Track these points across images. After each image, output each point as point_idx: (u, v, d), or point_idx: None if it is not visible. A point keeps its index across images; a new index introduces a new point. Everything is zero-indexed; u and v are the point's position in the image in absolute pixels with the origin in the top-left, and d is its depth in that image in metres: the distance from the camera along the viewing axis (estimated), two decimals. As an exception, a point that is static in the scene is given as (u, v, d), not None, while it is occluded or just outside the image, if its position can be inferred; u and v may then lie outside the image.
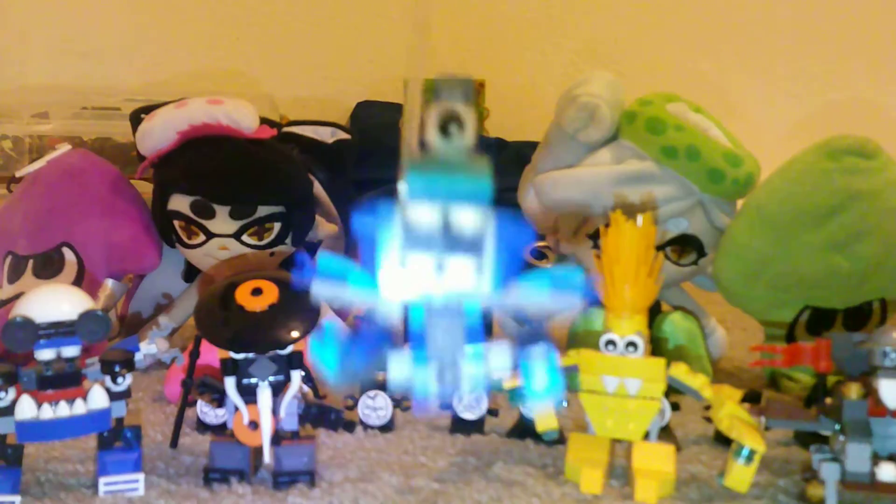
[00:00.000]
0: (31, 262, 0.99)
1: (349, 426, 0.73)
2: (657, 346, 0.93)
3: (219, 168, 1.00)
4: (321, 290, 0.41)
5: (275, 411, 0.69)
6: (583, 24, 2.04)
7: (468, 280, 0.37)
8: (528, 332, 0.43)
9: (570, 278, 0.41)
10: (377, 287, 0.40)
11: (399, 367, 0.41)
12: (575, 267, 0.42)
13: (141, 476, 0.69)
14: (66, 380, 0.66)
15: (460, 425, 0.83)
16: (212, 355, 0.73)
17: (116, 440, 0.69)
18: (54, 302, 0.66)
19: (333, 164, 1.11)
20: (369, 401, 0.83)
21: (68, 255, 1.00)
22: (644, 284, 0.70)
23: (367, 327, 0.42)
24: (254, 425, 0.69)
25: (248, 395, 0.69)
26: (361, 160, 1.23)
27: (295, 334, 0.69)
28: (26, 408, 0.66)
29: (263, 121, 1.05)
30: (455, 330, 0.40)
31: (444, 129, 0.38)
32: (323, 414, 0.71)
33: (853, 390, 0.65)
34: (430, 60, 1.67)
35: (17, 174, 1.07)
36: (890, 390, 0.64)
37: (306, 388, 0.74)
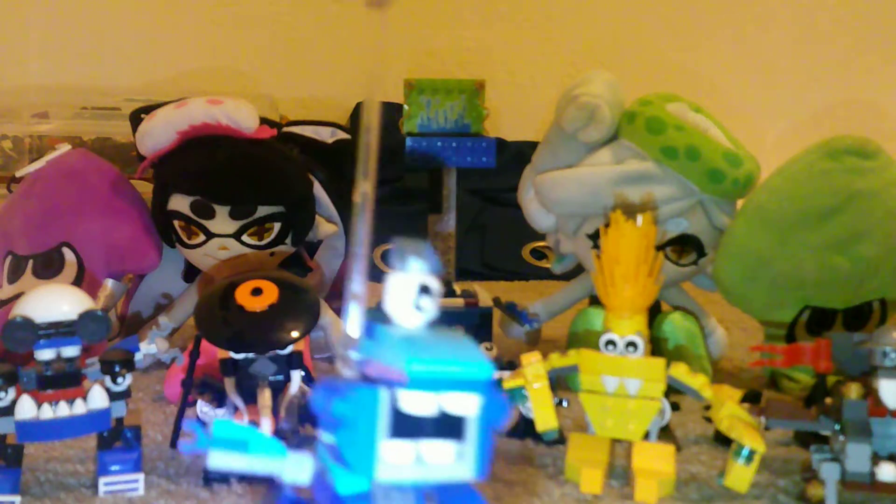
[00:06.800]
0: (30, 262, 0.99)
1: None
2: (657, 346, 0.93)
3: (219, 168, 1.00)
4: (219, 461, 0.37)
5: (275, 411, 0.69)
6: (583, 24, 2.03)
7: (449, 465, 0.35)
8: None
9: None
10: (280, 452, 0.37)
11: None
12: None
13: (141, 476, 0.69)
14: (66, 380, 0.66)
15: (460, 425, 0.82)
16: (212, 355, 0.73)
17: (116, 440, 0.69)
18: (54, 302, 0.66)
19: (333, 164, 1.11)
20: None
21: (68, 255, 0.99)
22: (644, 284, 0.70)
23: (278, 498, 0.39)
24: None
25: (248, 395, 0.69)
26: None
27: (295, 334, 0.69)
28: (26, 408, 0.66)
29: (263, 121, 1.05)
30: None
31: (416, 303, 0.36)
32: (323, 414, 0.71)
33: (853, 390, 0.65)
34: (431, 61, 1.67)
35: (17, 174, 1.07)
36: (890, 390, 0.64)
37: (306, 388, 0.74)
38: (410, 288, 0.36)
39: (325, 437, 0.36)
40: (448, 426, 0.35)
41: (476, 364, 0.34)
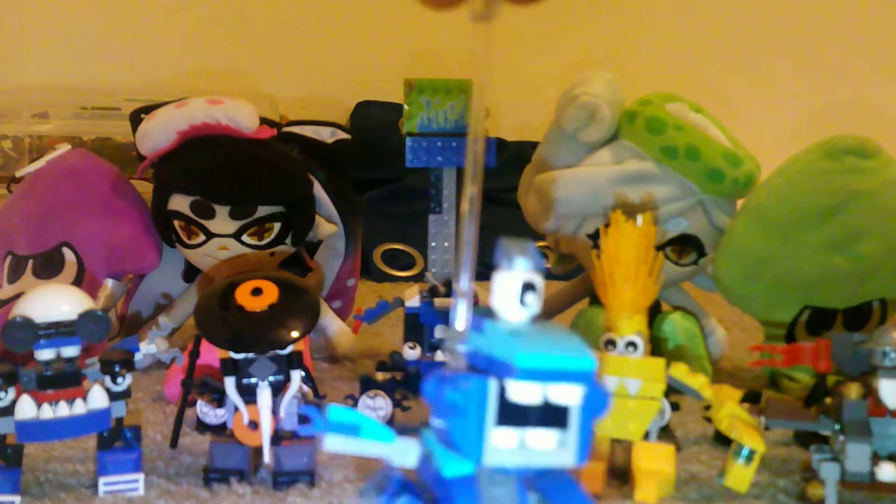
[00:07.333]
0: (30, 262, 0.99)
1: (349, 426, 0.73)
2: (657, 346, 0.93)
3: (219, 168, 1.00)
4: (333, 444, 0.40)
5: (275, 411, 0.69)
6: (583, 24, 2.04)
7: (551, 451, 0.37)
8: None
9: None
10: (388, 438, 0.40)
11: None
12: None
13: (141, 476, 0.69)
14: (65, 380, 0.66)
15: (460, 425, 0.82)
16: (212, 355, 0.73)
17: (116, 440, 0.69)
18: (54, 302, 0.66)
19: (333, 164, 1.11)
20: (369, 400, 0.83)
21: (68, 255, 0.99)
22: (644, 284, 0.70)
23: (388, 483, 0.40)
24: (253, 425, 0.69)
25: (248, 395, 0.69)
26: (361, 160, 1.23)
27: (295, 334, 0.69)
28: (26, 408, 0.66)
29: (263, 121, 1.05)
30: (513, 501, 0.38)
31: (521, 299, 0.38)
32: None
33: (853, 390, 0.65)
34: (431, 61, 1.67)
35: (17, 174, 1.07)
36: (890, 390, 0.64)
37: (306, 388, 0.74)
38: (516, 285, 0.37)
39: (435, 422, 0.38)
40: (552, 415, 0.36)
41: (581, 357, 0.36)
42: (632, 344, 0.70)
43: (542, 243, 1.13)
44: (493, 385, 0.36)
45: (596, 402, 0.37)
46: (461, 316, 0.39)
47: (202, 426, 0.81)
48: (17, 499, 0.66)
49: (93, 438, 0.69)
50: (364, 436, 0.40)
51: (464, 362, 0.38)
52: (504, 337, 0.37)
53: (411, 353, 0.95)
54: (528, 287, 0.37)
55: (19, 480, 0.67)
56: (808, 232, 0.91)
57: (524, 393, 0.36)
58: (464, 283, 0.39)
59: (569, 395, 0.36)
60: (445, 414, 0.37)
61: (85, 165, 1.06)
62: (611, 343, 0.70)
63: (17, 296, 0.85)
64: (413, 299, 0.97)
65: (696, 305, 1.05)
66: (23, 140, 1.63)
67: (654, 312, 0.96)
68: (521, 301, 0.37)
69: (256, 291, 0.71)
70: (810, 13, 2.01)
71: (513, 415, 0.36)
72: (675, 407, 0.74)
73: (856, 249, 0.91)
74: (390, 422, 0.83)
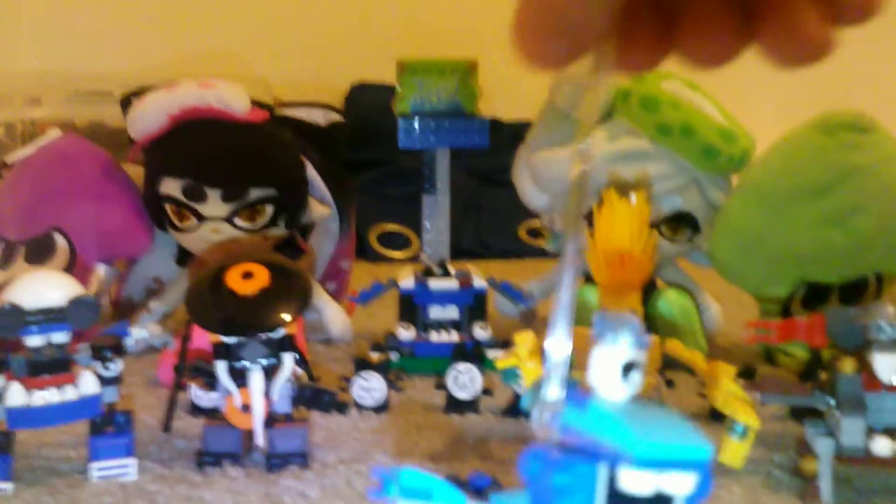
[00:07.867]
0: (22, 248, 0.99)
1: (342, 408, 0.73)
2: (652, 323, 0.93)
3: (210, 151, 1.00)
4: None
5: (267, 394, 0.69)
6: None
7: None
8: None
9: None
10: (464, 502, 0.39)
11: None
12: None
13: (133, 461, 0.69)
14: (56, 366, 0.66)
15: (455, 405, 0.82)
16: (205, 339, 0.72)
17: (108, 425, 0.68)
18: (43, 288, 0.66)
19: (326, 146, 1.10)
20: (363, 382, 0.83)
21: (59, 240, 0.99)
22: (637, 262, 0.70)
23: None
24: (246, 408, 0.68)
25: (241, 378, 0.69)
26: (354, 142, 1.22)
27: (286, 317, 0.69)
28: (16, 394, 0.66)
29: (255, 103, 1.04)
30: None
31: (623, 377, 0.35)
32: (316, 396, 0.71)
33: (847, 365, 0.65)
34: (424, 40, 1.66)
35: (7, 160, 1.06)
36: (884, 364, 0.64)
37: (300, 371, 0.73)
38: (617, 362, 0.35)
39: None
40: (656, 501, 0.35)
41: (698, 445, 0.34)
42: (625, 322, 0.69)
43: (536, 222, 1.13)
44: (602, 471, 0.34)
45: (703, 488, 0.35)
46: (554, 385, 0.36)
47: (196, 410, 0.80)
48: (9, 485, 0.66)
49: (86, 423, 0.69)
50: (436, 500, 0.39)
51: (556, 437, 0.36)
52: (612, 420, 0.35)
53: (405, 333, 0.94)
54: (630, 365, 0.35)
55: (11, 467, 0.67)
56: (804, 207, 0.91)
57: (637, 482, 0.34)
58: (557, 350, 0.36)
59: (682, 484, 0.34)
60: (548, 497, 0.35)
61: (75, 151, 1.05)
62: (604, 321, 0.70)
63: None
64: (407, 280, 0.96)
65: (692, 282, 1.05)
66: (15, 126, 1.62)
67: (650, 289, 0.96)
68: (623, 379, 0.35)
69: (247, 275, 0.70)
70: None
71: (619, 501, 0.34)
72: (669, 384, 0.74)
73: (851, 224, 0.90)
74: (385, 403, 0.83)
